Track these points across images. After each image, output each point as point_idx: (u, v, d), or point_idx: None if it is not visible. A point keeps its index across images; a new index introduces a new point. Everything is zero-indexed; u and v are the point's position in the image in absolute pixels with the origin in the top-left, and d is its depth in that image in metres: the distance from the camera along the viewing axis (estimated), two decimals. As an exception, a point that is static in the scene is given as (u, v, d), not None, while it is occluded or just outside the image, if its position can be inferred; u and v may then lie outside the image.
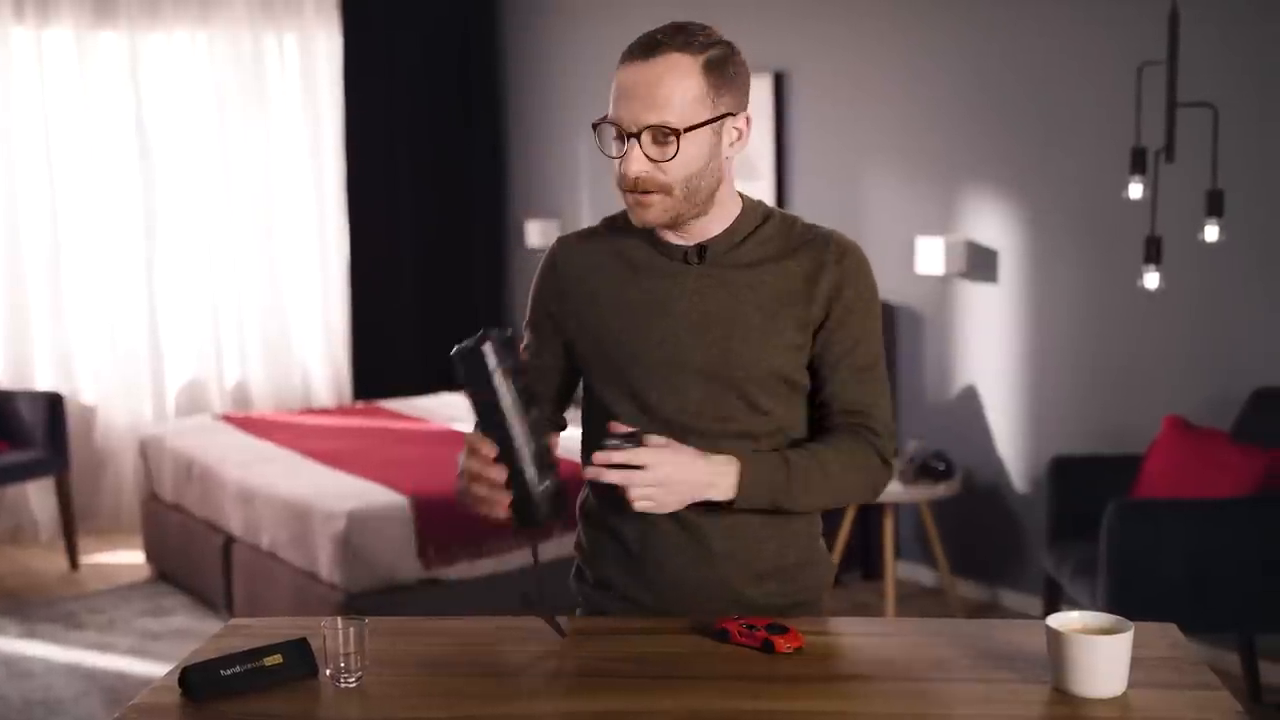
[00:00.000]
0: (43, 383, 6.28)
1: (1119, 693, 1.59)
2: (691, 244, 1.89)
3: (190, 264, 6.66)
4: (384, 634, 1.90)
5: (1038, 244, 4.83)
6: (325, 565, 4.37)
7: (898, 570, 5.31)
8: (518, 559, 4.59)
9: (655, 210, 1.82)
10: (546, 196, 7.14)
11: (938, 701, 1.62)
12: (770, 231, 1.91)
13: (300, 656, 1.70)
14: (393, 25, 7.03)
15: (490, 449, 1.76)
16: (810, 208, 5.57)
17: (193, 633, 4.90)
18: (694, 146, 1.79)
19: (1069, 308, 4.76)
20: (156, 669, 4.52)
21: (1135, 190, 4.03)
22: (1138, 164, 4.01)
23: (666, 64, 1.77)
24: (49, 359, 6.35)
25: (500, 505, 1.78)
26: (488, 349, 1.74)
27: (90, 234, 6.38)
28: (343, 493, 4.52)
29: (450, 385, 6.93)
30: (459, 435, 5.46)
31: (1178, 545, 3.74)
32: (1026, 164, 4.84)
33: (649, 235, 1.91)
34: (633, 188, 1.80)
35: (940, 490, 4.79)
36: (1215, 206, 3.79)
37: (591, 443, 1.93)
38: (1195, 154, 3.97)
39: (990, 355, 5.04)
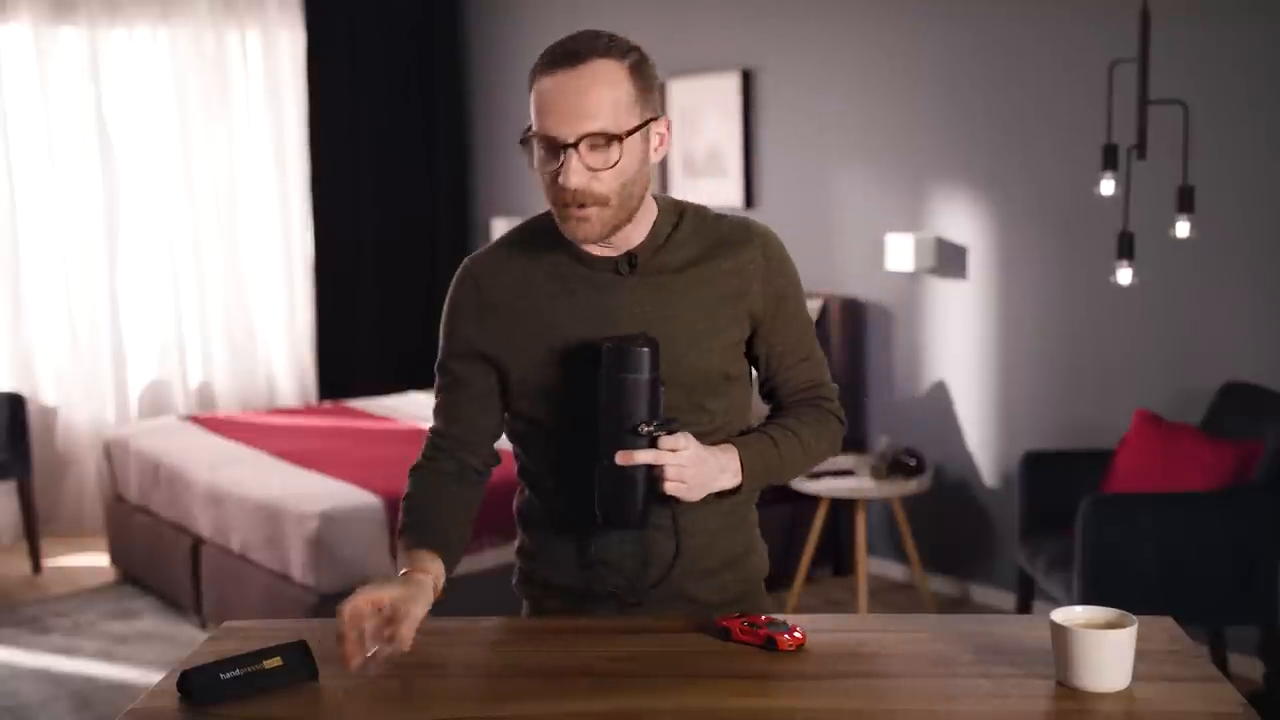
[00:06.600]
0: (3, 384, 6.19)
1: (1124, 686, 1.60)
2: (619, 254, 1.86)
3: (153, 263, 6.59)
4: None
5: (1008, 240, 4.86)
6: (298, 566, 4.33)
7: (869, 566, 5.33)
8: (490, 559, 4.57)
9: (594, 224, 1.77)
10: (511, 194, 7.12)
11: (943, 697, 1.62)
12: (688, 229, 1.89)
13: (300, 659, 1.68)
14: (356, 22, 6.98)
15: (376, 600, 1.67)
16: (779, 206, 5.58)
17: (160, 635, 4.85)
18: (630, 153, 1.76)
19: (1039, 303, 4.79)
20: (125, 672, 4.47)
21: (1107, 187, 4.06)
22: (1109, 160, 4.04)
23: (596, 70, 1.72)
24: (9, 359, 6.26)
25: (357, 657, 1.66)
26: (648, 352, 1.73)
27: (51, 233, 6.30)
28: (315, 493, 4.49)
29: (416, 385, 6.90)
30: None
31: (1152, 538, 3.77)
32: (997, 161, 4.87)
33: (572, 249, 1.86)
34: (571, 201, 1.75)
35: (911, 486, 4.81)
36: (1186, 203, 3.82)
37: (540, 462, 1.93)
38: (1166, 150, 4.00)
39: (961, 351, 5.06)
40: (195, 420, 5.77)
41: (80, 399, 6.41)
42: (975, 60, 4.89)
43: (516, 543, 2.04)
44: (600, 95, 1.71)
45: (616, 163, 1.74)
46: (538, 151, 1.76)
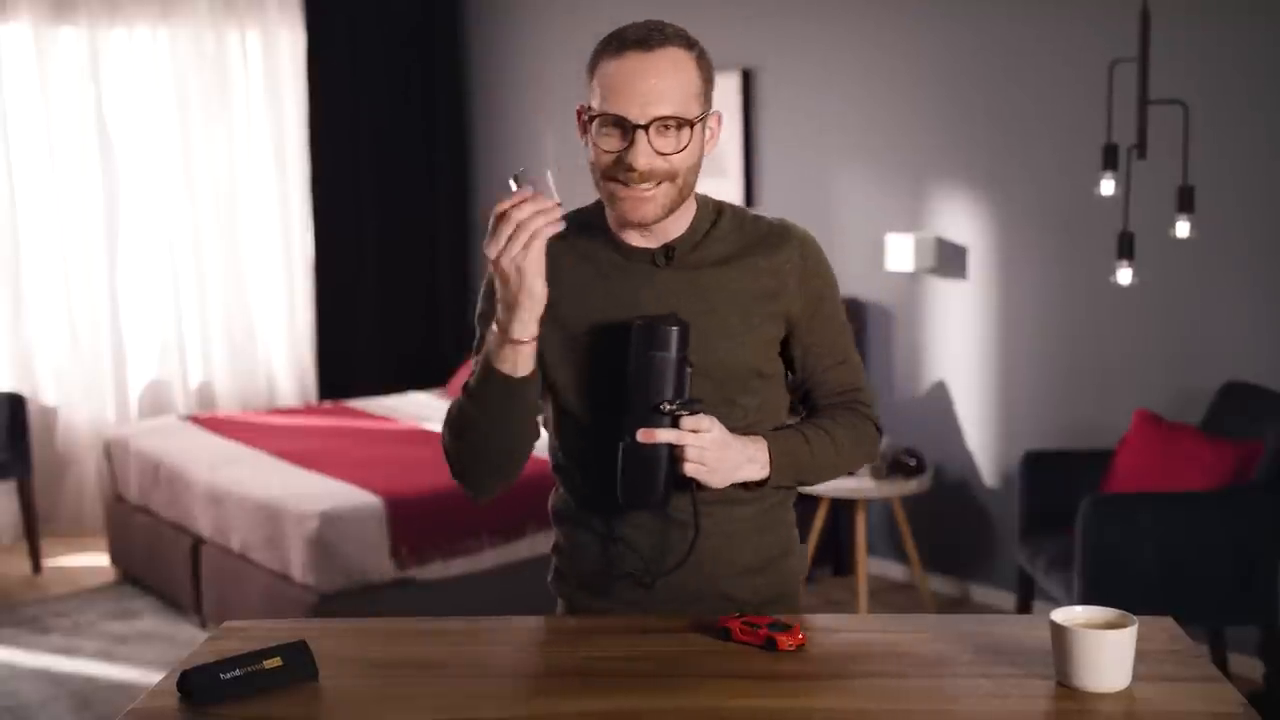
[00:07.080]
0: (3, 384, 6.19)
1: (1124, 686, 1.60)
2: (656, 245, 1.88)
3: (153, 263, 6.58)
4: (377, 636, 1.88)
5: (1008, 240, 4.86)
6: (298, 566, 4.33)
7: (869, 566, 5.33)
8: (489, 560, 4.57)
9: (656, 204, 1.80)
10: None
11: (943, 697, 1.62)
12: (726, 227, 1.91)
13: (300, 659, 1.68)
14: (356, 22, 6.98)
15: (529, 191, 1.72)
16: (779, 205, 5.57)
17: (160, 635, 4.85)
18: (696, 140, 1.81)
19: (1039, 303, 4.79)
20: (125, 672, 4.47)
21: (1107, 186, 4.07)
22: (1109, 160, 4.04)
23: (670, 57, 1.78)
24: (9, 359, 6.25)
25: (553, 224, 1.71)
26: (678, 330, 1.76)
27: (51, 232, 6.29)
28: (315, 493, 4.49)
29: (416, 385, 6.90)
30: (429, 435, 5.43)
31: (1152, 538, 3.77)
32: (997, 160, 4.86)
33: (609, 238, 1.90)
34: (636, 180, 1.78)
35: (911, 486, 4.81)
36: (1186, 203, 3.83)
37: (569, 453, 1.94)
38: (1166, 150, 4.00)
39: (961, 351, 5.06)
40: (195, 420, 5.77)
41: (80, 399, 6.41)
42: (975, 60, 4.89)
43: (552, 541, 2.06)
44: (673, 81, 1.77)
45: (685, 147, 1.78)
46: (599, 131, 1.79)
